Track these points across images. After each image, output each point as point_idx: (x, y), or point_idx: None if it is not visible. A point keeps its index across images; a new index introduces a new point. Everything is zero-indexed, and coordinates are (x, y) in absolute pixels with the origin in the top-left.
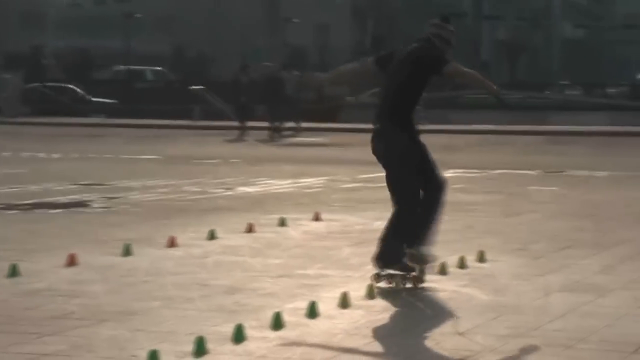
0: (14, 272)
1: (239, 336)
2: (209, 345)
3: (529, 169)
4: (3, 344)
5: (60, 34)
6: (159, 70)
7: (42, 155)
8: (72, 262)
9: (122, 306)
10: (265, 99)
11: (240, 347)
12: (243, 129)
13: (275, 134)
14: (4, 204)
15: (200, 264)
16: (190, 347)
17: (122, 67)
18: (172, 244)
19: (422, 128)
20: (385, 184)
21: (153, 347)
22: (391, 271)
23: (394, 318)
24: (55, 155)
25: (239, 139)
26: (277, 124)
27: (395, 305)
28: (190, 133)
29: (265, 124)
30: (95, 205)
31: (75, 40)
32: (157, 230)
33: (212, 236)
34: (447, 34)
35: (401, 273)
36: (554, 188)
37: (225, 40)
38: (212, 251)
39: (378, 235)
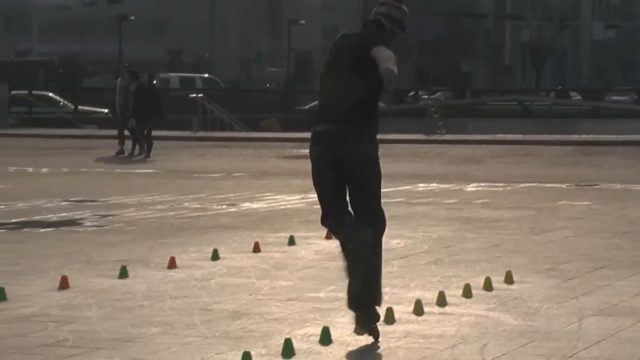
0: (1, 296)
1: None
2: None
3: (559, 182)
4: None
5: (47, 38)
6: (207, 77)
7: (29, 169)
8: (64, 285)
9: (118, 333)
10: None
11: None
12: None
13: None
14: None
15: (202, 286)
16: None
17: (171, 75)
18: (171, 265)
19: (439, 138)
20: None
21: None
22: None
23: (414, 345)
24: (44, 170)
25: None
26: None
27: (415, 331)
28: (191, 144)
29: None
30: (88, 223)
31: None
32: (155, 251)
33: (215, 256)
34: (398, 13)
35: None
36: (586, 203)
37: (224, 43)
38: (215, 272)
39: (396, 254)
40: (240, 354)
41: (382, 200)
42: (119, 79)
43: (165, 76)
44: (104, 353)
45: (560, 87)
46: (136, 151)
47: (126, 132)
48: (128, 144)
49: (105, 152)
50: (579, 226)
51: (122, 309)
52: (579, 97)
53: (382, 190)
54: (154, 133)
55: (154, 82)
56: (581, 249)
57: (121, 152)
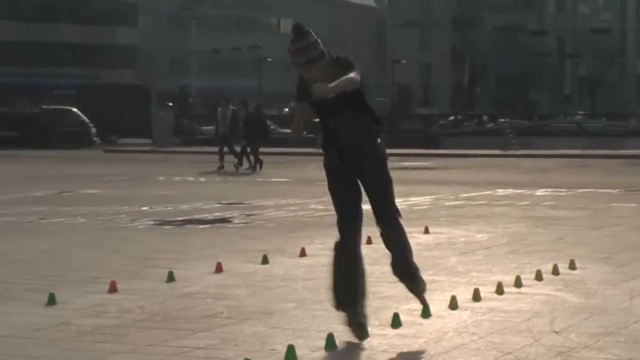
0: (170, 278)
1: (363, 333)
2: (338, 341)
3: (611, 188)
4: (164, 339)
5: (202, 75)
6: None
7: (190, 179)
8: (218, 269)
9: (262, 307)
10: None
11: (364, 343)
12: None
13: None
14: (160, 220)
15: (327, 270)
16: (321, 342)
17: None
18: (302, 253)
19: (514, 153)
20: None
21: (290, 342)
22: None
23: (496, 318)
24: (202, 179)
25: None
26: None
27: (497, 307)
28: (315, 159)
29: None
30: (237, 221)
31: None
32: (289, 242)
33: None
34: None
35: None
36: (634, 205)
37: None
38: None
39: (481, 246)
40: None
41: (470, 202)
42: (220, 108)
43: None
44: (251, 323)
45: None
46: (245, 165)
47: (225, 149)
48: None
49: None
50: (629, 223)
51: (265, 288)
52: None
53: (469, 194)
54: (272, 150)
55: (260, 110)
56: (631, 241)
57: (221, 167)
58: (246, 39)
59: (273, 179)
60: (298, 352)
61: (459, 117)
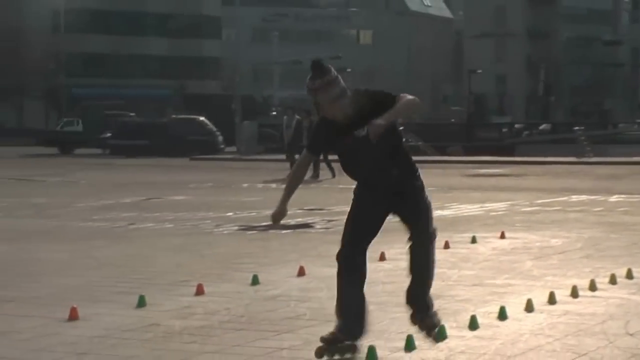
0: (255, 281)
1: (441, 335)
2: (417, 342)
3: None
4: (249, 340)
5: (284, 86)
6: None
7: (273, 185)
8: (301, 272)
9: None
10: None
11: (443, 344)
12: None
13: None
14: (245, 226)
15: (406, 275)
16: (401, 343)
17: None
18: (382, 258)
19: (588, 160)
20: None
21: (370, 343)
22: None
23: (571, 321)
24: (284, 186)
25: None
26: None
27: (572, 310)
28: None
29: None
30: (318, 226)
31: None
32: (369, 246)
33: None
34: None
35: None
36: None
37: (420, 88)
38: None
39: (555, 250)
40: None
41: (545, 209)
42: (285, 116)
43: None
44: (333, 325)
45: None
46: (310, 173)
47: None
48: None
49: (327, 173)
50: None
51: None
52: None
53: (543, 201)
54: None
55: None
56: None
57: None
58: (326, 50)
59: (353, 186)
60: (378, 352)
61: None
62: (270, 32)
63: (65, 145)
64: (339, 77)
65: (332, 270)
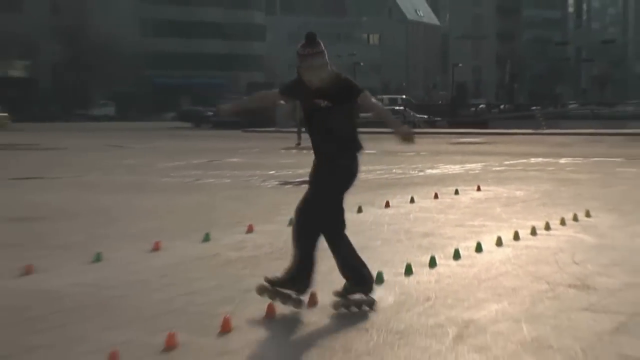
0: (291, 222)
1: (432, 263)
2: (414, 269)
3: (616, 157)
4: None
5: None
6: (404, 97)
7: (304, 151)
8: (248, 230)
9: (358, 244)
10: None
11: (433, 270)
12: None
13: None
14: (283, 181)
15: (405, 218)
16: (402, 269)
17: (384, 97)
18: (387, 205)
19: (543, 132)
20: None
21: (379, 269)
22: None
23: (532, 252)
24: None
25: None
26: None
27: (532, 245)
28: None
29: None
30: None
31: None
32: (377, 197)
33: (412, 200)
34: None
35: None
36: (634, 169)
37: (415, 77)
38: (412, 210)
39: (519, 200)
40: (429, 257)
41: (511, 168)
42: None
43: (381, 97)
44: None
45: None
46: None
47: None
48: None
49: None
50: (631, 183)
51: (358, 231)
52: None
53: (510, 162)
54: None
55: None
56: (632, 196)
57: (299, 144)
58: (345, 49)
59: (366, 151)
60: (385, 276)
61: (502, 106)
62: (302, 36)
63: (195, 120)
64: (325, 52)
65: (350, 215)
